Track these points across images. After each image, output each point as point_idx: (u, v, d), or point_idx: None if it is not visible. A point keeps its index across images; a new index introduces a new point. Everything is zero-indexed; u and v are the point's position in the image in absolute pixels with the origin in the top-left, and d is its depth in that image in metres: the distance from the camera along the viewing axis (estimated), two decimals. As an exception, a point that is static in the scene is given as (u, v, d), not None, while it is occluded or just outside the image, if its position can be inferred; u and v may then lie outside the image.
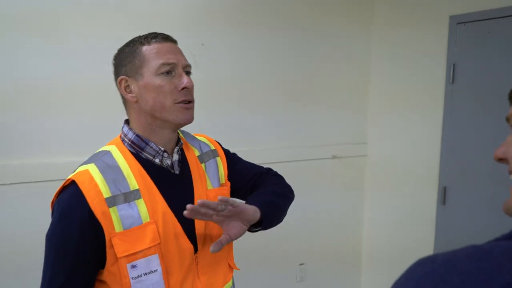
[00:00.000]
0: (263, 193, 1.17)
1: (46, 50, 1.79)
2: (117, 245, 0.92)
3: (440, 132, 2.54)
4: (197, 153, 1.16)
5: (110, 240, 0.92)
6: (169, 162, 1.06)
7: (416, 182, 2.71)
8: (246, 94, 2.36)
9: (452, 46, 2.44)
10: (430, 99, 2.58)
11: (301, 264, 2.72)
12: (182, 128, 1.11)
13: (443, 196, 2.53)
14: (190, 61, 2.14)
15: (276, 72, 2.48)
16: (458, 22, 2.39)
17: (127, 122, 1.09)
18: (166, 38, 1.03)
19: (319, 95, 2.69)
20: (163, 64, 0.98)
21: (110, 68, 1.07)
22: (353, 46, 2.83)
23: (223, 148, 1.27)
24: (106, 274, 0.96)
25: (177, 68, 1.01)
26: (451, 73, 2.44)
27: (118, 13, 1.92)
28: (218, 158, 1.21)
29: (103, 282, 0.98)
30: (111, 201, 0.93)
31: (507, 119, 0.66)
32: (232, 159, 1.27)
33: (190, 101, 1.03)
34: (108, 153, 1.01)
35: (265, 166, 1.33)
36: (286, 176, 1.33)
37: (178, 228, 1.01)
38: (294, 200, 1.27)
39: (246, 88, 2.36)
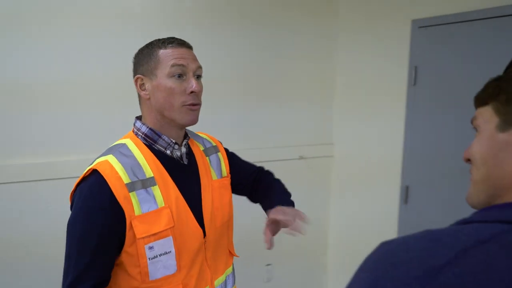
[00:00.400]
0: (281, 193, 1.36)
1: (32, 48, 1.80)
2: (137, 226, 1.00)
3: (402, 133, 2.58)
4: (201, 147, 1.27)
5: (131, 222, 1.00)
6: (178, 153, 1.16)
7: (379, 181, 2.75)
8: (213, 95, 2.32)
9: (414, 49, 2.48)
10: (393, 100, 2.62)
11: (268, 265, 2.69)
12: None
13: (406, 195, 2.57)
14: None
15: (244, 73, 2.47)
16: (420, 26, 2.44)
17: (138, 118, 1.17)
18: (182, 43, 1.11)
19: (287, 96, 2.69)
20: (173, 65, 1.06)
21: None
22: (319, 50, 2.85)
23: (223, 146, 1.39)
24: (124, 256, 1.03)
25: (188, 71, 1.09)
26: (413, 75, 2.48)
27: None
28: (219, 154, 1.32)
29: (118, 264, 1.06)
30: (131, 187, 1.01)
31: (472, 121, 0.73)
32: (232, 159, 1.38)
33: (197, 104, 1.11)
34: (124, 145, 1.10)
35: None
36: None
37: (189, 213, 1.11)
38: None
39: (212, 89, 2.31)
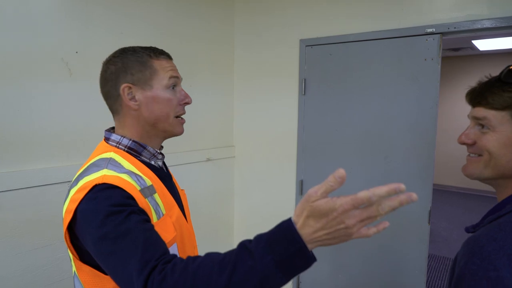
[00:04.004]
0: None
1: None
2: (159, 234, 0.84)
3: (296, 135, 2.77)
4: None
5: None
6: (160, 163, 1.09)
7: (278, 177, 2.92)
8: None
9: (302, 64, 2.68)
10: (287, 108, 2.80)
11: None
12: None
13: (301, 187, 2.77)
14: (64, 69, 1.96)
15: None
16: (307, 45, 2.65)
17: (110, 131, 1.03)
18: (169, 56, 1.05)
19: (195, 107, 2.70)
20: (172, 77, 1.00)
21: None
22: (219, 69, 2.95)
23: None
24: None
25: (179, 83, 1.05)
26: (303, 86, 2.68)
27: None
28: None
29: None
30: (144, 193, 0.90)
31: (475, 117, 0.88)
32: None
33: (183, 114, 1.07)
34: (111, 159, 0.94)
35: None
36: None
37: (184, 219, 1.04)
38: None
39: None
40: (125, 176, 0.88)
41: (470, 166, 0.89)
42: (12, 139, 1.74)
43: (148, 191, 0.92)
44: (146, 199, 0.89)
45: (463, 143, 0.89)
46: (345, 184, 2.59)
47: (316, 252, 2.85)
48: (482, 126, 0.85)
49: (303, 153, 2.74)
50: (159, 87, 0.98)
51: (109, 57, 1.02)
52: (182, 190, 1.21)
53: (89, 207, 0.82)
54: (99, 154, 0.97)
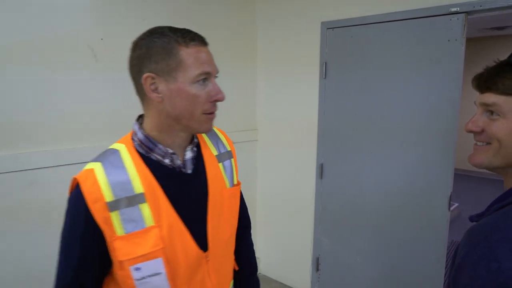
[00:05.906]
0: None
1: None
2: (118, 249, 0.85)
3: (316, 120, 2.74)
4: (215, 152, 1.06)
5: (112, 243, 0.85)
6: (179, 162, 0.95)
7: (299, 160, 2.91)
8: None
9: (323, 48, 2.63)
10: (308, 92, 2.77)
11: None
12: None
13: (321, 171, 2.76)
14: (90, 55, 2.03)
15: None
16: (328, 28, 2.59)
17: (138, 119, 0.97)
18: (203, 41, 0.89)
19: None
20: (201, 74, 0.86)
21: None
22: (242, 55, 2.97)
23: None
24: (115, 273, 0.89)
25: (211, 77, 0.89)
26: (324, 70, 2.64)
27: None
28: (232, 160, 1.12)
29: (114, 280, 0.92)
30: (113, 206, 0.84)
31: (484, 104, 0.81)
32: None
33: (215, 112, 0.93)
34: (116, 152, 0.90)
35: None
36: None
37: (184, 231, 0.92)
38: None
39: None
40: (103, 183, 0.84)
41: (478, 155, 0.83)
42: (44, 121, 1.85)
43: (126, 202, 0.85)
44: (115, 212, 0.84)
45: (470, 131, 0.83)
46: (365, 168, 2.56)
47: (335, 235, 2.82)
48: (492, 112, 0.79)
49: (324, 137, 2.72)
50: (184, 81, 0.85)
51: (137, 39, 0.90)
52: (230, 188, 1.07)
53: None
54: (119, 142, 0.95)
